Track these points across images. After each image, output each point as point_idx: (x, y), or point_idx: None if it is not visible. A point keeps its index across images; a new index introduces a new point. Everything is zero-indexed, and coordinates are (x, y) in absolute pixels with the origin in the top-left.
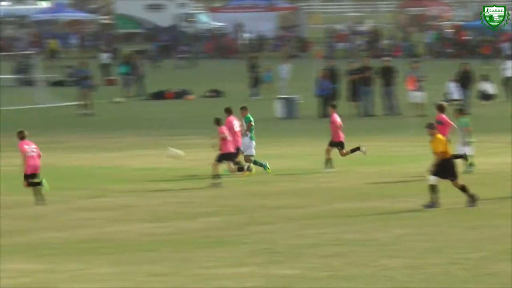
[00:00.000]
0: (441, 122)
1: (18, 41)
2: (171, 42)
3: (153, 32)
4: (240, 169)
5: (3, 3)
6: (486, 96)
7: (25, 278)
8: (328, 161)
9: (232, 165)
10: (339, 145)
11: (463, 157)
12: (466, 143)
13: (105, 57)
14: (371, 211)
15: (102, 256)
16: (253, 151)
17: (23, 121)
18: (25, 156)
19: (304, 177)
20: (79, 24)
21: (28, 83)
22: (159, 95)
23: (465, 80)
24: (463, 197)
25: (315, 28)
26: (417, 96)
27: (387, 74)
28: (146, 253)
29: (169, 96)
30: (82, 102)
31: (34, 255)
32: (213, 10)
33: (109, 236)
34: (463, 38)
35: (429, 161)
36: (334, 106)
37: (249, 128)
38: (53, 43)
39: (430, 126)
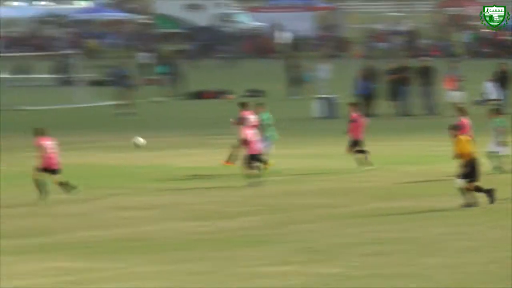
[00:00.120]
0: (459, 126)
1: (58, 40)
2: (210, 42)
3: (192, 32)
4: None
5: (42, 2)
6: None
7: (67, 277)
8: (361, 158)
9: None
10: (355, 143)
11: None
12: (501, 143)
13: (144, 56)
14: (409, 210)
15: (141, 255)
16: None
17: (62, 121)
18: (44, 152)
19: (342, 176)
20: (118, 24)
21: (67, 82)
22: (198, 95)
23: (502, 80)
24: (501, 196)
25: (353, 28)
26: (456, 96)
27: (426, 74)
28: (185, 252)
29: (208, 95)
30: (121, 102)
31: (74, 253)
32: (252, 10)
33: (148, 235)
34: (500, 38)
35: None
36: (354, 105)
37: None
38: (93, 43)
39: (453, 128)
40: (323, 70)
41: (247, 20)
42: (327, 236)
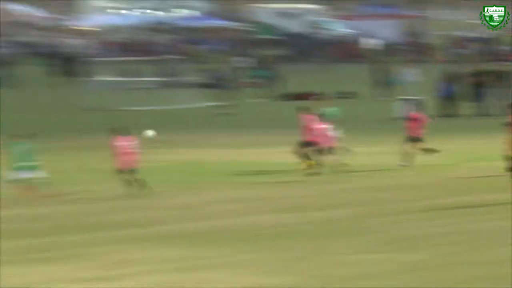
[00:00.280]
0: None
1: (162, 46)
2: (304, 48)
3: (286, 38)
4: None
5: (148, 11)
6: None
7: (176, 263)
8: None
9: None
10: (415, 140)
11: None
12: None
13: (242, 61)
14: (484, 203)
15: (239, 244)
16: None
17: (165, 121)
18: (118, 152)
19: (421, 171)
20: (219, 31)
21: (171, 85)
22: (293, 96)
23: None
24: None
25: (436, 34)
26: None
27: (502, 77)
28: (278, 241)
29: (302, 97)
30: (221, 103)
31: (182, 242)
32: (342, 18)
33: (245, 225)
34: None
35: None
36: (419, 106)
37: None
38: (195, 48)
39: (508, 125)
40: (409, 73)
41: (337, 28)
42: (408, 227)
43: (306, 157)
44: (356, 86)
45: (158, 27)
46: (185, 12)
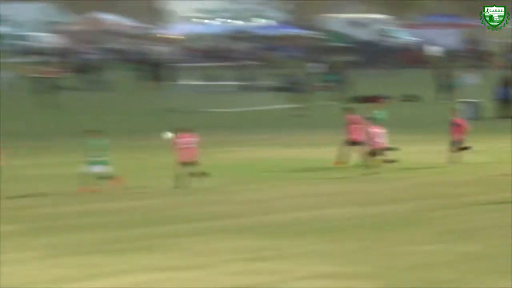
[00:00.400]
0: None
1: (242, 53)
2: (372, 54)
3: (356, 46)
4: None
5: (228, 20)
6: None
7: (253, 253)
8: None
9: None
10: (457, 143)
11: None
12: None
13: (315, 66)
14: None
15: (311, 235)
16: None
17: (243, 121)
18: (179, 148)
19: (470, 168)
20: (294, 38)
21: (249, 88)
22: (361, 99)
23: None
24: None
25: (494, 42)
26: None
27: None
28: (346, 233)
29: (370, 100)
30: (295, 105)
31: (258, 233)
32: (407, 26)
33: (316, 218)
34: None
35: None
36: (453, 110)
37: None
38: (273, 55)
39: None
40: (468, 78)
41: (403, 36)
42: (463, 220)
43: (348, 155)
44: (420, 90)
45: (237, 35)
46: (262, 21)
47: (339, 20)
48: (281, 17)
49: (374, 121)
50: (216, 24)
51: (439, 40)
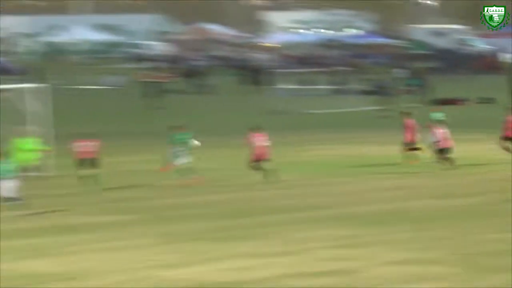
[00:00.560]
0: None
1: (333, 59)
2: (451, 61)
3: (436, 53)
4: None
5: (322, 30)
6: None
7: (343, 241)
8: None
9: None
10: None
11: None
12: None
13: (399, 72)
14: None
15: (395, 225)
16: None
17: (335, 121)
18: (253, 146)
19: None
20: (381, 47)
21: (340, 92)
22: (441, 102)
23: None
24: None
25: None
26: None
27: None
28: (429, 223)
29: (449, 102)
30: (382, 107)
31: (347, 223)
32: (483, 36)
33: (400, 209)
34: None
35: None
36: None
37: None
38: (362, 62)
39: None
40: None
41: (479, 44)
42: None
43: (408, 153)
44: (495, 93)
45: (330, 44)
46: (353, 31)
47: (422, 30)
48: (369, 27)
49: (438, 122)
50: (311, 34)
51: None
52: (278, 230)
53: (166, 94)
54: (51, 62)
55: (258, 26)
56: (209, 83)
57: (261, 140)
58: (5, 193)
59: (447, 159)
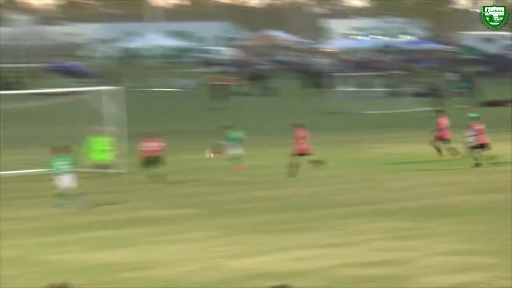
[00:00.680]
0: None
1: (390, 64)
2: (499, 65)
3: (486, 58)
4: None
5: (378, 36)
6: None
7: (396, 233)
8: None
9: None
10: None
11: None
12: None
13: (450, 75)
14: None
15: (444, 218)
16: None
17: (390, 122)
18: (297, 141)
19: None
20: (433, 52)
21: (395, 94)
22: (490, 103)
23: None
24: None
25: None
26: None
27: None
28: (474, 216)
29: (497, 104)
30: (433, 108)
31: (399, 216)
32: None
33: (447, 204)
34: None
35: None
36: None
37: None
38: (415, 66)
39: None
40: None
41: None
42: None
43: (440, 149)
44: None
45: (385, 49)
46: (407, 37)
47: (471, 36)
48: (422, 33)
49: (475, 120)
50: (368, 40)
51: None
52: (336, 222)
53: (233, 96)
54: (126, 66)
55: (319, 33)
56: (273, 86)
57: (303, 137)
58: (63, 187)
59: (483, 155)
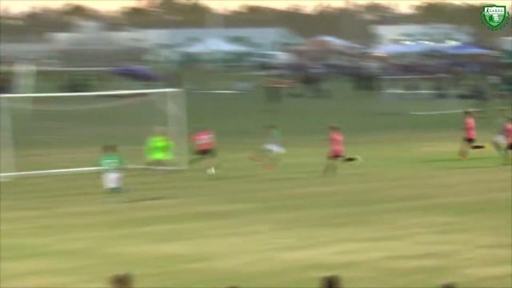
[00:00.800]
0: None
1: (436, 67)
2: None
3: None
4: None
5: (425, 42)
6: None
7: (441, 227)
8: None
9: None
10: None
11: None
12: None
13: (493, 79)
14: None
15: (483, 213)
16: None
17: (438, 122)
18: (333, 142)
19: None
20: (476, 56)
21: (441, 96)
22: None
23: None
24: None
25: None
26: None
27: None
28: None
29: None
30: (477, 109)
31: (444, 211)
32: None
33: (487, 200)
34: None
35: None
36: None
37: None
38: (460, 70)
39: None
40: None
41: None
42: None
43: (466, 150)
44: None
45: (432, 54)
46: (452, 43)
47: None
48: (466, 39)
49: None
50: (415, 45)
51: None
52: (384, 217)
53: (287, 98)
54: (187, 70)
55: (369, 38)
56: (325, 88)
57: (337, 139)
58: (110, 184)
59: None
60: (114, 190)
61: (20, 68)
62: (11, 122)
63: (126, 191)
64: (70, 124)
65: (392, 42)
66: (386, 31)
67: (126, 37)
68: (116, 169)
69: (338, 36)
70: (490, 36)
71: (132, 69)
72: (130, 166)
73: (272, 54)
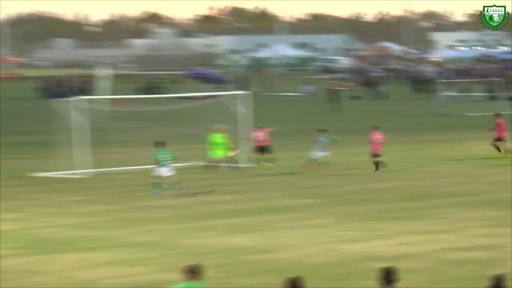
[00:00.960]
0: None
1: (489, 71)
2: None
3: None
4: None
5: (478, 48)
6: None
7: (490, 221)
8: None
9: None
10: None
11: None
12: None
13: None
14: None
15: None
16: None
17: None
18: (372, 142)
19: None
20: None
21: (493, 98)
22: None
23: None
24: None
25: None
26: None
27: None
28: None
29: None
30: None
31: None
32: None
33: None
34: None
35: None
36: None
37: None
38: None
39: None
40: None
41: None
42: None
43: (498, 148)
44: None
45: (484, 59)
46: (504, 48)
47: None
48: None
49: None
50: (469, 50)
51: None
52: (439, 211)
53: (348, 100)
54: (255, 73)
55: (426, 44)
56: (384, 91)
57: (378, 139)
58: (160, 177)
59: None
60: (176, 186)
61: (99, 71)
62: (90, 122)
63: (189, 187)
64: (145, 125)
65: (447, 47)
66: (442, 38)
67: (198, 43)
68: (168, 163)
69: (397, 42)
70: None
71: (203, 72)
72: (198, 163)
73: (334, 59)
